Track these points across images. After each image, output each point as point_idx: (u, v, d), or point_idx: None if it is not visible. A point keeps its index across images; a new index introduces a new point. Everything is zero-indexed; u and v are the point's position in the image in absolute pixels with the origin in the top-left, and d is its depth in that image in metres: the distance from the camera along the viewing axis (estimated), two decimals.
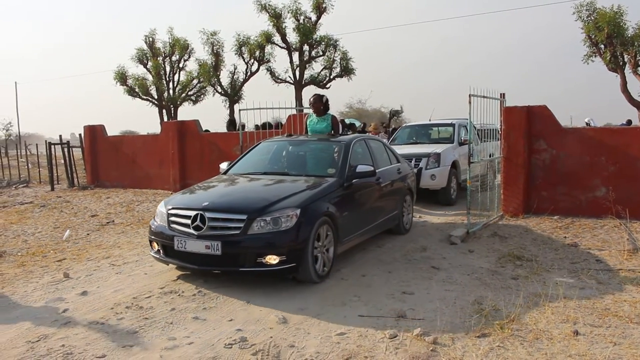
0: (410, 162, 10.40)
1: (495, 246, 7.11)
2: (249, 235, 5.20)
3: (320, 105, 7.81)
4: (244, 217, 5.24)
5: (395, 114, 20.99)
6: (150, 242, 5.94)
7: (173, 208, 5.74)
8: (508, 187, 9.26)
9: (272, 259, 5.16)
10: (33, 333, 4.37)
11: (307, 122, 8.04)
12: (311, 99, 7.93)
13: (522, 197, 9.12)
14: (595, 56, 24.36)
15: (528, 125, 9.11)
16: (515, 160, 9.14)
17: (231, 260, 5.24)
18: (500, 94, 9.04)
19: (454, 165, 11.08)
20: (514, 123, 9.12)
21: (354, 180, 6.32)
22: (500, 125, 9.31)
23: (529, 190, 9.20)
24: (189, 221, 5.42)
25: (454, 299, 5.03)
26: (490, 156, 10.20)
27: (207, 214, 5.34)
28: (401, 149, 11.27)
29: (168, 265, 5.88)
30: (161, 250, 5.71)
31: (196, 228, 5.33)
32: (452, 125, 12.26)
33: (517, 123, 9.10)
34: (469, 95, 7.56)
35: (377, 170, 6.86)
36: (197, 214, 5.38)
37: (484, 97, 8.05)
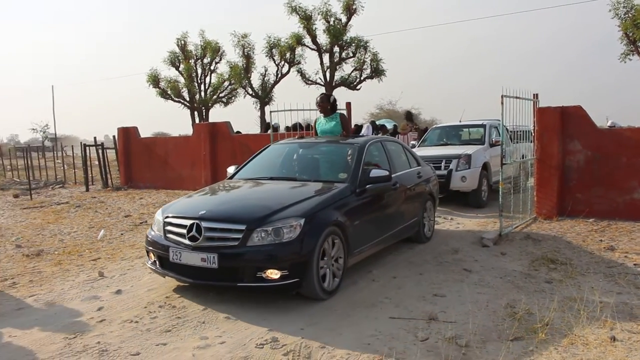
0: (440, 163, 10.56)
1: (528, 249, 7.00)
2: (248, 247, 4.77)
3: (327, 105, 7.44)
4: (243, 227, 4.83)
5: (409, 116, 20.87)
6: (147, 252, 5.58)
7: (169, 216, 5.36)
8: (541, 189, 9.11)
9: (273, 274, 4.73)
10: (70, 330, 4.47)
11: (316, 124, 7.66)
12: (317, 99, 7.54)
13: (556, 199, 8.97)
14: (633, 54, 23.80)
15: (562, 126, 8.96)
16: (549, 162, 8.99)
17: (229, 274, 4.84)
18: (533, 95, 8.91)
19: (485, 166, 10.92)
20: (547, 124, 8.97)
21: (367, 186, 5.89)
22: (533, 126, 9.17)
23: (563, 193, 9.04)
24: (184, 231, 5.04)
25: (486, 302, 4.97)
26: (522, 158, 10.05)
27: (204, 224, 4.95)
28: (431, 151, 11.38)
29: (165, 277, 5.52)
30: (157, 262, 5.34)
31: (192, 239, 4.95)
32: (483, 126, 12.09)
33: (551, 124, 8.95)
34: (502, 96, 7.47)
35: (393, 175, 6.51)
36: (193, 224, 5.00)
37: (516, 97, 7.94)
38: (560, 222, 8.57)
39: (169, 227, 5.27)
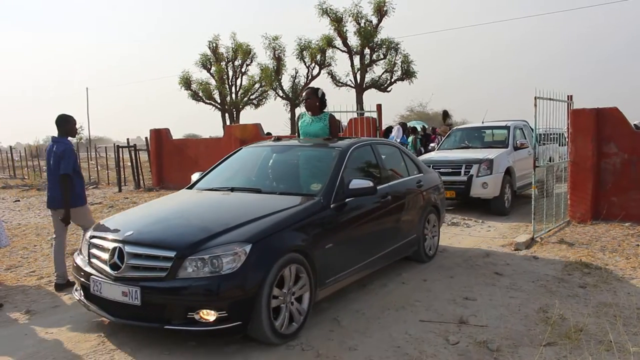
0: (460, 169, 10.07)
1: (561, 253, 6.87)
2: (178, 280, 3.76)
3: (316, 100, 6.33)
4: (172, 254, 3.83)
5: (445, 115, 20.66)
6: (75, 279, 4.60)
7: (95, 236, 4.44)
8: (575, 192, 8.93)
9: (209, 315, 3.75)
10: (105, 328, 4.55)
11: (299, 123, 6.53)
12: (304, 94, 6.58)
13: (590, 203, 8.78)
14: None
15: (597, 128, 8.78)
16: (584, 165, 8.81)
17: (154, 313, 3.85)
18: (568, 96, 8.75)
19: (508, 171, 10.28)
20: (582, 126, 8.80)
21: (347, 200, 4.89)
22: (567, 128, 9.00)
23: (597, 196, 8.85)
24: (107, 256, 4.10)
25: (518, 306, 4.90)
26: (550, 160, 9.84)
27: (127, 248, 4.00)
28: (450, 154, 10.91)
29: (89, 310, 4.32)
30: (81, 291, 4.38)
31: (113, 266, 4.01)
32: (507, 127, 11.42)
33: (586, 126, 8.77)
34: (535, 98, 7.36)
35: (385, 185, 5.67)
36: (115, 248, 4.07)
37: (549, 99, 7.81)
38: (594, 226, 8.39)
39: (93, 250, 4.35)
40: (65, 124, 5.88)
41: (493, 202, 10.08)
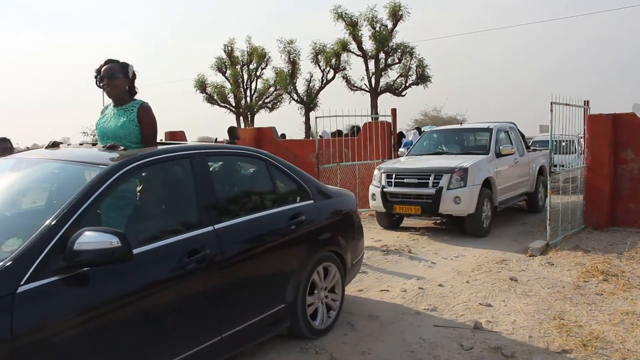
0: (428, 179, 8.37)
1: (577, 259, 6.82)
2: None
3: (124, 83, 4.01)
4: None
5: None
6: None
7: None
8: (591, 199, 8.86)
9: None
10: None
11: (97, 120, 4.17)
12: (103, 70, 4.00)
13: (606, 209, 8.71)
14: None
15: (614, 134, 8.71)
16: (600, 171, 8.74)
17: None
18: (584, 101, 8.69)
19: (488, 183, 8.62)
20: (598, 132, 8.73)
21: (81, 269, 2.69)
22: (584, 134, 8.94)
23: (614, 202, 8.78)
24: None
25: (533, 313, 4.88)
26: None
27: None
28: (418, 162, 9.19)
29: None
30: None
31: None
32: (489, 130, 9.53)
33: (602, 131, 8.71)
34: (551, 103, 7.32)
35: (202, 231, 3.38)
36: None
37: (566, 104, 7.77)
38: (611, 233, 8.32)
39: None
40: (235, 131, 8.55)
41: (468, 221, 8.37)
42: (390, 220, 9.35)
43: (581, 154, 10.44)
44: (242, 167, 4.48)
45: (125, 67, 4.04)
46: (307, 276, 4.21)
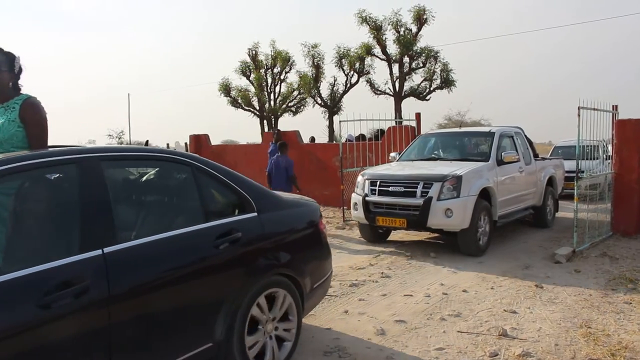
0: (416, 188, 7.42)
1: (605, 267, 6.72)
2: None
3: (1, 74, 3.37)
4: None
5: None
6: None
7: None
8: (619, 205, 8.72)
9: None
10: None
11: None
12: None
13: (636, 216, 8.56)
14: None
15: None
16: (629, 176, 8.60)
17: None
18: (612, 106, 8.57)
19: (486, 194, 7.67)
20: (627, 137, 8.60)
21: None
22: (612, 139, 8.80)
23: None
24: None
25: (559, 320, 4.81)
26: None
27: None
28: (407, 168, 8.28)
29: None
30: None
31: None
32: (490, 135, 8.60)
33: (632, 137, 8.57)
34: (578, 108, 7.23)
35: (86, 256, 2.65)
36: None
37: (594, 109, 7.66)
38: (639, 240, 8.18)
39: None
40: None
41: (461, 237, 7.37)
42: (375, 233, 8.46)
43: (605, 159, 10.26)
44: (158, 175, 3.58)
45: (11, 59, 3.40)
46: (248, 304, 3.42)
